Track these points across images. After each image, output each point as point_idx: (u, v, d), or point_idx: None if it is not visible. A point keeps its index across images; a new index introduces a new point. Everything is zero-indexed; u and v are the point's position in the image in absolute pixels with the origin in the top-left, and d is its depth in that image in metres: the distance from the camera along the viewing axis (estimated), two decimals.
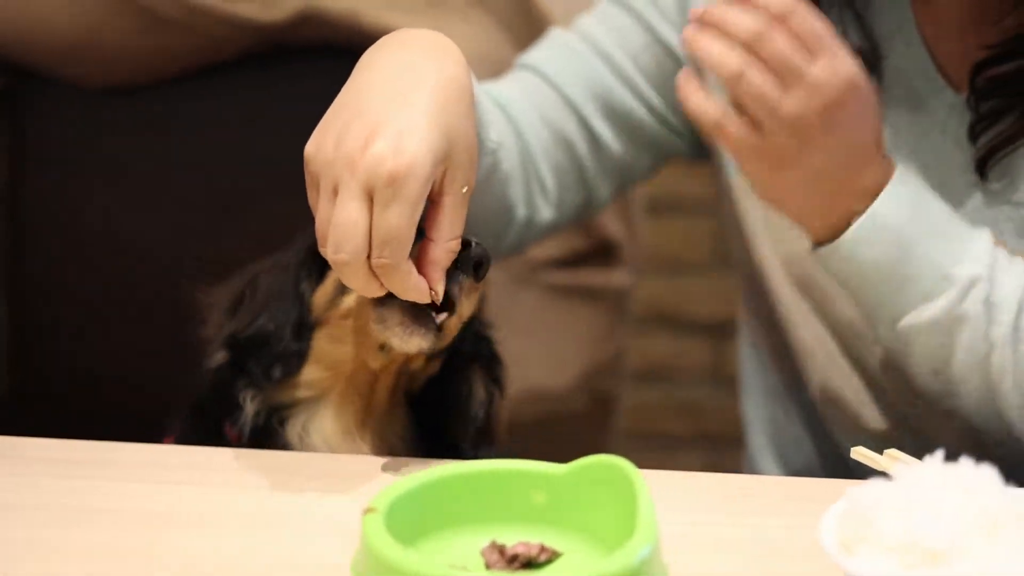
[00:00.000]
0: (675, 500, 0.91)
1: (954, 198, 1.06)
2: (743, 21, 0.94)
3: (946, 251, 1.01)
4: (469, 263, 0.97)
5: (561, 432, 1.63)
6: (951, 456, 0.74)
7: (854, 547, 0.72)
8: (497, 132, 1.08)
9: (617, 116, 1.23)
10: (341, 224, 0.87)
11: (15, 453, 1.02)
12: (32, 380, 1.74)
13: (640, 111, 1.23)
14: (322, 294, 1.06)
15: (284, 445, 1.04)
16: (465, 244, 0.96)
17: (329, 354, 1.05)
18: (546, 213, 1.22)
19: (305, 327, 1.06)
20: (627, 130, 1.23)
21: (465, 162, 0.92)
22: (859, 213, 1.00)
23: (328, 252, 0.89)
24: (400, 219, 0.87)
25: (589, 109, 1.22)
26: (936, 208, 1.02)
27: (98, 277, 1.69)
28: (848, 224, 1.01)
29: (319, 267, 1.06)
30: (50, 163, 1.71)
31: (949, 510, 0.71)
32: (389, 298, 0.95)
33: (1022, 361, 1.01)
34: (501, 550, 0.83)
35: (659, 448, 2.02)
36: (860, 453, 0.94)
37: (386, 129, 0.88)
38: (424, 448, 1.08)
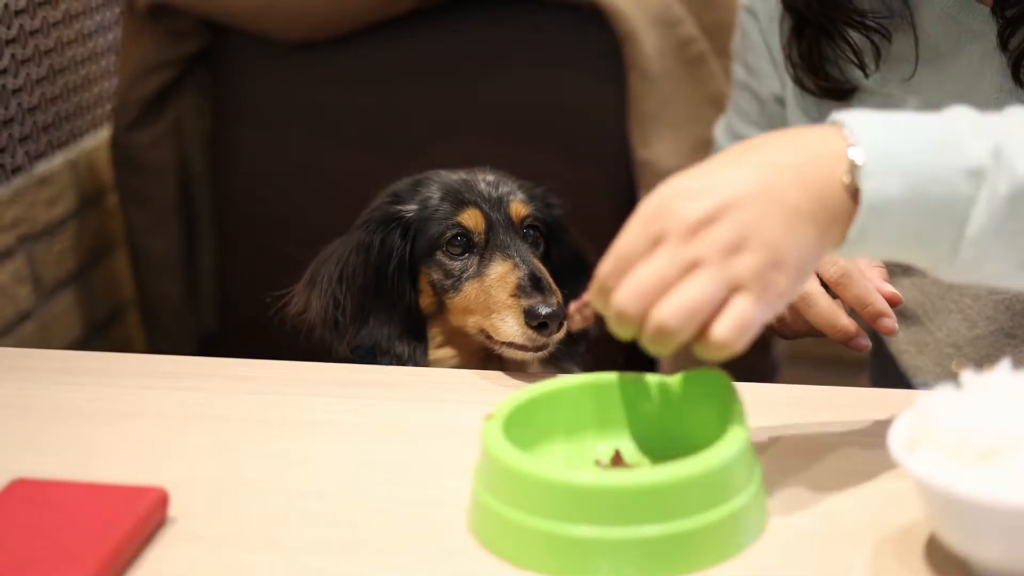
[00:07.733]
0: (768, 409, 1.00)
1: (991, 107, 0.92)
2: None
3: (950, 150, 0.84)
4: None
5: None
6: None
7: (917, 449, 0.78)
8: None
9: None
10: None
11: (223, 373, 1.17)
12: (236, 315, 1.90)
13: None
14: (426, 297, 1.21)
15: None
16: None
17: (450, 337, 1.22)
18: None
19: (413, 329, 1.20)
20: None
21: None
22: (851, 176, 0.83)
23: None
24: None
25: None
26: (904, 118, 0.86)
27: (291, 218, 1.83)
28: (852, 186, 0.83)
29: (412, 274, 1.20)
30: (247, 113, 1.86)
31: (1001, 413, 0.76)
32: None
33: None
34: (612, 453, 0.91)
35: (831, 375, 2.04)
36: (960, 367, 0.99)
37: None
38: None
